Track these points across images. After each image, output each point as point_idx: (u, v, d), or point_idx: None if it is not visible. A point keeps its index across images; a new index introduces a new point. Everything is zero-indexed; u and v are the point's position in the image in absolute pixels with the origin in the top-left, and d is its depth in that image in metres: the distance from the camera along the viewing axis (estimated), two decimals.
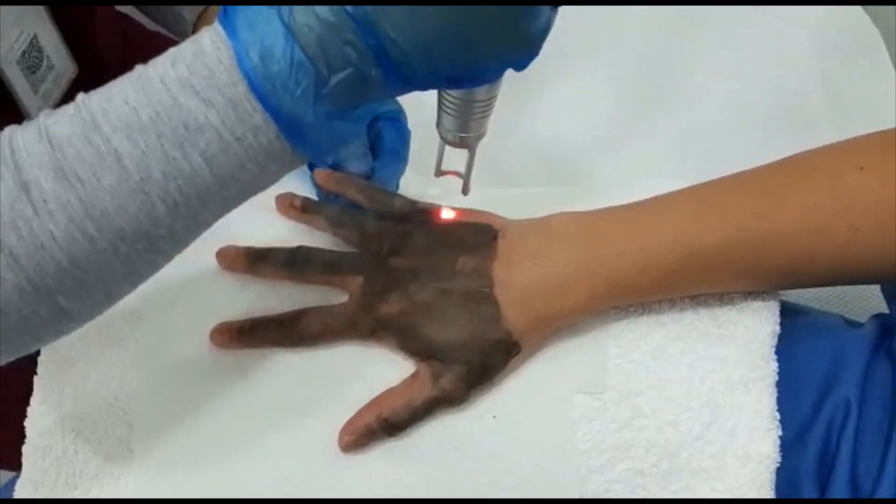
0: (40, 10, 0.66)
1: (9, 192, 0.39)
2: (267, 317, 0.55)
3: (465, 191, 0.55)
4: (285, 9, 0.39)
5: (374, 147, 0.62)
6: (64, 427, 0.54)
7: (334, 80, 0.40)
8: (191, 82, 0.39)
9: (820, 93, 0.81)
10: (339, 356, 0.55)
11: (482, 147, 0.55)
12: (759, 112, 0.79)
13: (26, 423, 0.55)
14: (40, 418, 0.55)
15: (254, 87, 0.39)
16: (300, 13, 0.39)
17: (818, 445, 0.53)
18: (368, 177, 0.60)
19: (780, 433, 0.52)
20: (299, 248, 0.57)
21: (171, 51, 0.41)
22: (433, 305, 0.54)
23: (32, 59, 0.66)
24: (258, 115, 0.40)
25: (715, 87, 0.81)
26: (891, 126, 0.54)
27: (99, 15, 0.82)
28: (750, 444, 0.52)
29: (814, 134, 0.70)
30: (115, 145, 0.39)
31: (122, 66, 0.88)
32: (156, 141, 0.39)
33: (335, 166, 0.60)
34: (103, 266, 0.41)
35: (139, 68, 0.41)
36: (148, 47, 0.87)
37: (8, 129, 0.41)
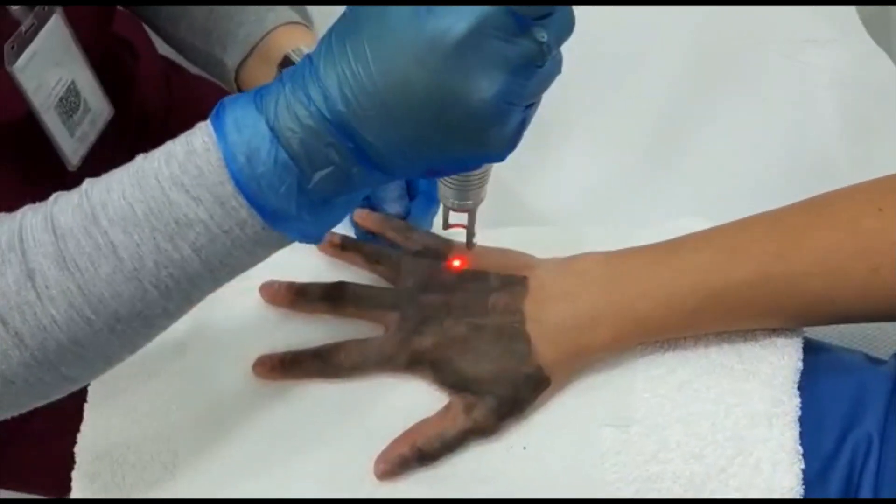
0: (78, 55, 0.68)
1: (15, 277, 0.43)
2: (307, 349, 0.58)
3: (469, 246, 0.57)
4: (271, 112, 0.41)
5: (410, 189, 0.64)
6: (112, 454, 0.57)
7: (317, 177, 0.42)
8: (182, 180, 0.42)
9: (841, 135, 0.82)
10: (376, 388, 0.57)
11: (512, 187, 0.57)
12: (780, 154, 0.81)
13: (76, 450, 0.57)
14: (90, 445, 0.57)
15: (240, 186, 0.42)
16: (284, 117, 0.41)
17: (841, 481, 0.53)
18: (404, 217, 0.63)
19: (802, 467, 0.53)
20: (338, 283, 0.59)
21: (168, 146, 0.43)
22: (467, 340, 0.56)
23: (70, 103, 0.68)
24: (244, 211, 0.42)
25: (737, 130, 0.82)
26: None
27: (143, 60, 0.84)
28: (773, 478, 0.53)
29: (834, 175, 0.71)
30: (111, 238, 0.42)
31: (165, 111, 0.90)
32: (149, 234, 0.42)
33: (373, 207, 0.63)
34: (101, 342, 0.44)
35: (138, 160, 0.44)
36: (191, 92, 0.90)
37: (20, 212, 0.45)
